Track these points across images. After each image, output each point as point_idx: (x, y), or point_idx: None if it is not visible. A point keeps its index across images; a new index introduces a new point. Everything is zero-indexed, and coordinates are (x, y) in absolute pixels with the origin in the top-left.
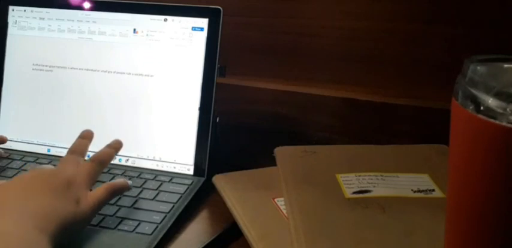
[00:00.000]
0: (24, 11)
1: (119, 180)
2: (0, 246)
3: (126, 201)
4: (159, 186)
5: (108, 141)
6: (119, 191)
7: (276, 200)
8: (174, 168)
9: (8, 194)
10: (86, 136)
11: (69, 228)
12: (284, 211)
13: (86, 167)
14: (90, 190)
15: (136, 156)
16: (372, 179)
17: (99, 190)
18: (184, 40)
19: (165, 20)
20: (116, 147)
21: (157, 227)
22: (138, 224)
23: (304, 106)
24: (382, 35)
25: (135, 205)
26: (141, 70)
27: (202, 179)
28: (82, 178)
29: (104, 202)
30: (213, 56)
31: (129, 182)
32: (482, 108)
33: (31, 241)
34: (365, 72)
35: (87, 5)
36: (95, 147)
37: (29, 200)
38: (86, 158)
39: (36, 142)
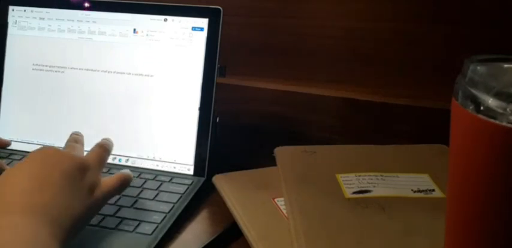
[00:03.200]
0: (24, 11)
1: (126, 170)
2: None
3: (126, 201)
4: (159, 186)
5: None
6: (128, 182)
7: (276, 200)
8: (174, 168)
9: (19, 183)
10: (77, 132)
11: (81, 220)
12: (284, 211)
13: (95, 152)
14: None
15: (136, 156)
16: (372, 179)
17: (112, 179)
18: (184, 40)
19: (165, 20)
20: (109, 139)
21: (157, 227)
22: (138, 224)
23: (304, 106)
24: (382, 35)
25: (135, 205)
26: (141, 70)
27: (202, 179)
28: (94, 164)
29: (116, 191)
30: (213, 56)
31: (130, 172)
32: (482, 108)
33: (41, 239)
34: (365, 72)
35: (87, 5)
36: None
37: (43, 192)
38: None
39: (36, 142)
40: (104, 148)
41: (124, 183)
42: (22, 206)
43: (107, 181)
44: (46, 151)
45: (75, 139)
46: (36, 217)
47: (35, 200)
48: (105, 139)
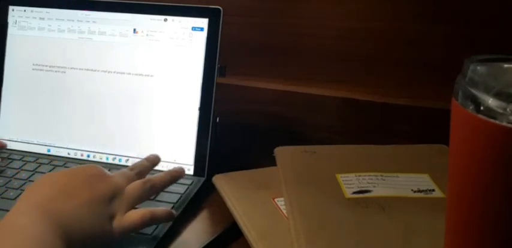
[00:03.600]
0: (24, 11)
1: (160, 209)
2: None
3: None
4: None
5: (107, 141)
6: (157, 221)
7: (276, 200)
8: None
9: (48, 189)
10: (151, 160)
11: (90, 242)
12: (284, 211)
13: (137, 185)
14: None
15: (136, 156)
16: (372, 179)
17: (137, 214)
18: (184, 40)
19: (165, 20)
20: (175, 175)
21: (157, 227)
22: None
23: (304, 106)
24: (382, 35)
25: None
26: (141, 70)
27: (202, 179)
28: (128, 196)
29: (137, 229)
30: (213, 56)
31: (174, 212)
32: (482, 108)
33: (46, 243)
34: (365, 72)
35: (87, 5)
36: (95, 146)
37: (65, 203)
38: None
39: (36, 142)
40: (149, 185)
41: (150, 222)
42: (40, 208)
43: (130, 215)
44: (91, 168)
45: (136, 167)
46: (50, 222)
47: (55, 207)
48: (157, 179)
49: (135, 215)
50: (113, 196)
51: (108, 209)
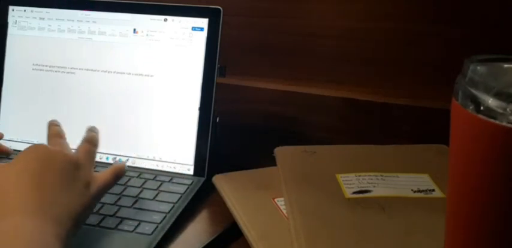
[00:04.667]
0: (24, 11)
1: (119, 163)
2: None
3: (126, 201)
4: (159, 186)
5: (106, 141)
6: (122, 173)
7: (276, 200)
8: (174, 168)
9: (16, 183)
10: (56, 123)
11: (80, 217)
12: (284, 211)
13: (84, 148)
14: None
15: (136, 156)
16: (372, 179)
17: (106, 173)
18: (184, 40)
19: (165, 20)
20: (94, 130)
21: (157, 227)
22: (138, 224)
23: (304, 106)
24: (382, 35)
25: (135, 205)
26: (141, 70)
27: (202, 179)
28: (86, 159)
29: (111, 185)
30: (213, 56)
31: (124, 164)
32: (482, 108)
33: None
34: (365, 72)
35: (87, 5)
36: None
37: (41, 191)
38: None
39: (36, 142)
40: (92, 143)
41: (118, 175)
42: (22, 207)
43: (101, 175)
44: (38, 149)
45: (56, 133)
46: (37, 217)
47: (34, 200)
48: (91, 130)
49: (105, 174)
50: (76, 167)
51: (79, 180)
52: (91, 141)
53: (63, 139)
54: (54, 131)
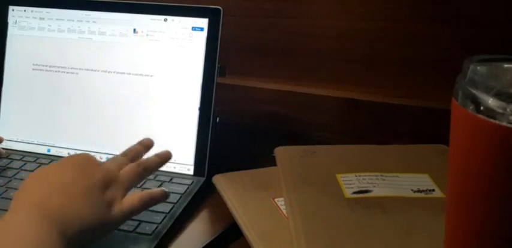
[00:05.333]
0: (24, 11)
1: (157, 190)
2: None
3: None
4: (159, 186)
5: (107, 141)
6: (154, 202)
7: (276, 200)
8: (174, 168)
9: (41, 184)
10: (144, 144)
11: (90, 232)
12: (284, 211)
13: (130, 169)
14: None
15: None
16: (372, 179)
17: (135, 198)
18: (185, 40)
19: (165, 20)
20: (164, 157)
21: (157, 227)
22: (138, 224)
23: (304, 106)
24: (382, 35)
25: None
26: (141, 70)
27: (202, 179)
28: (123, 180)
29: (137, 211)
30: (213, 56)
31: (167, 190)
32: (482, 108)
33: (48, 241)
34: (365, 72)
35: (87, 5)
36: (95, 146)
37: (60, 197)
38: None
39: (36, 142)
40: (142, 167)
41: (149, 203)
42: (37, 207)
43: (128, 199)
44: (79, 157)
45: (129, 153)
46: (47, 219)
47: (51, 203)
48: (161, 154)
49: (133, 198)
50: (107, 183)
51: (105, 197)
52: (143, 165)
53: (127, 158)
54: (127, 150)
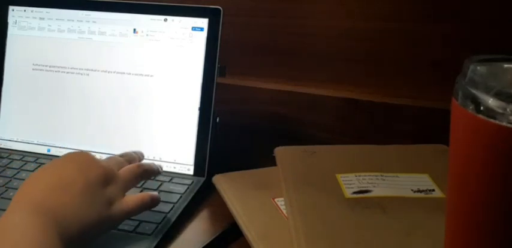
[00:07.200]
0: (24, 11)
1: (153, 193)
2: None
3: None
4: (159, 186)
5: (107, 141)
6: (150, 204)
7: (276, 200)
8: (174, 168)
9: (41, 183)
10: (138, 153)
11: (90, 230)
12: (284, 211)
13: (131, 169)
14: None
15: None
16: (372, 179)
17: (137, 197)
18: (185, 40)
19: (165, 20)
20: (159, 171)
21: (157, 227)
22: (138, 224)
23: (304, 106)
24: (382, 34)
25: None
26: (141, 70)
27: (202, 179)
28: (123, 179)
29: (137, 211)
30: (213, 56)
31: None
32: (482, 108)
33: (47, 239)
34: (365, 72)
35: (87, 5)
36: (95, 146)
37: (61, 195)
38: None
39: (36, 142)
40: (142, 169)
41: (145, 205)
42: (35, 207)
43: (129, 199)
44: (78, 155)
45: (126, 155)
46: (46, 218)
47: (50, 201)
48: (150, 164)
49: (134, 199)
50: (107, 181)
51: (104, 195)
52: (142, 166)
53: (124, 159)
54: (125, 153)
